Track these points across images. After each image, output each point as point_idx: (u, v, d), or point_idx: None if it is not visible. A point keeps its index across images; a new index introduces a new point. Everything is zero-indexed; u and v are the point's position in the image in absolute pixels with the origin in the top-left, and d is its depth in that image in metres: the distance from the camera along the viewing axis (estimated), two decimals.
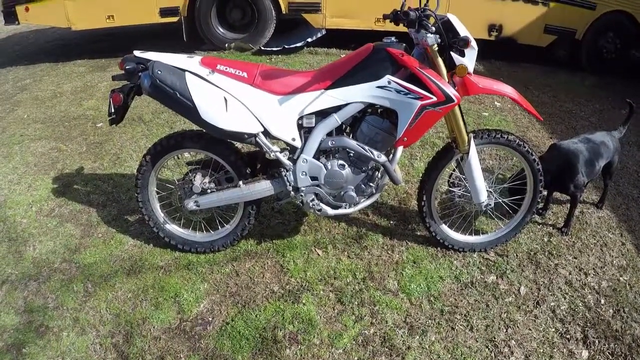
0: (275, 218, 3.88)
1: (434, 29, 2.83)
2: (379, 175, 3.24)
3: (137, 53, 3.06)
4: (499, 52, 7.75)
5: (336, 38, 7.80)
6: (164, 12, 7.43)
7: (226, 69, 3.00)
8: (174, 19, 7.50)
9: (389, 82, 2.91)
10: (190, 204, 3.27)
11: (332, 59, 7.27)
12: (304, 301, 3.17)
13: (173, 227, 3.50)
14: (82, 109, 5.93)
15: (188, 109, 2.92)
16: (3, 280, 3.38)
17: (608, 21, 7.52)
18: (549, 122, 5.68)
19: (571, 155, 3.65)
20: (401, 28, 3.08)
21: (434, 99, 2.88)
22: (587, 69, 7.75)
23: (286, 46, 7.51)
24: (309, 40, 7.64)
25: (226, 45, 7.58)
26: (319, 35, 7.67)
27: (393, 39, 3.03)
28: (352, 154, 3.16)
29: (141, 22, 7.71)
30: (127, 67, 3.00)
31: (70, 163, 4.73)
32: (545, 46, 7.81)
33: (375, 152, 3.06)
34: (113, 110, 3.11)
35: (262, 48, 7.56)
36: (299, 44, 7.57)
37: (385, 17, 3.15)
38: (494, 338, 2.96)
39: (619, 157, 3.96)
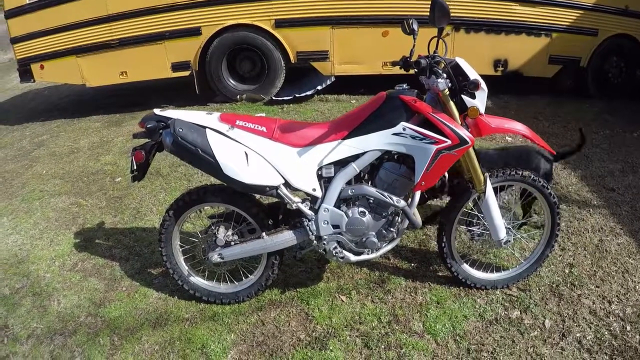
0: (298, 267, 3.91)
1: (444, 75, 2.91)
2: (399, 219, 3.26)
3: (157, 111, 3.13)
4: (507, 86, 7.82)
5: (345, 84, 7.92)
6: (176, 67, 7.60)
7: (245, 124, 3.06)
8: (186, 73, 7.65)
9: (404, 129, 2.97)
10: (215, 257, 3.30)
11: (343, 105, 7.44)
12: (331, 347, 3.16)
13: (197, 280, 3.53)
14: (99, 164, 6.04)
15: (210, 165, 2.97)
16: (29, 334, 3.41)
17: (611, 45, 7.63)
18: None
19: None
20: (410, 72, 3.15)
21: (449, 142, 2.92)
22: (595, 95, 7.81)
23: (297, 95, 7.64)
24: (319, 88, 7.77)
25: (238, 96, 7.71)
26: (329, 82, 7.81)
27: (405, 86, 3.10)
28: (371, 201, 3.19)
29: (153, 77, 7.86)
30: (148, 126, 3.05)
31: (90, 218, 4.80)
32: (552, 77, 7.88)
33: (395, 198, 3.10)
34: (135, 168, 3.15)
35: (274, 98, 7.70)
36: (309, 92, 7.69)
37: (394, 64, 3.23)
38: None
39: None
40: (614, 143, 6.07)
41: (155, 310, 3.55)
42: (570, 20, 7.45)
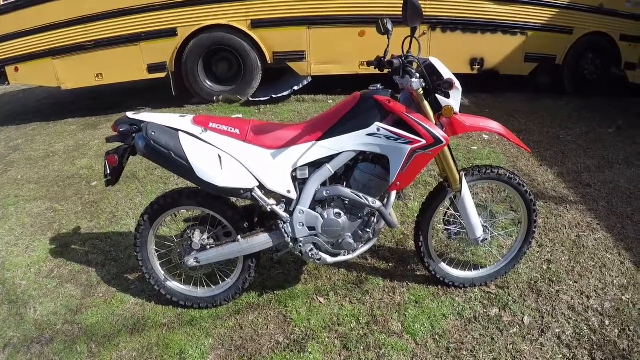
0: (275, 269, 3.90)
1: (418, 74, 2.91)
2: (375, 220, 3.25)
3: (129, 115, 3.08)
4: (484, 85, 7.89)
5: (322, 84, 7.92)
6: (152, 68, 7.57)
7: (218, 126, 3.04)
8: (162, 75, 7.63)
9: (379, 129, 2.96)
10: (190, 261, 3.28)
11: (320, 105, 7.43)
12: (309, 350, 3.15)
13: (174, 284, 3.51)
14: (75, 168, 5.99)
15: (184, 169, 2.95)
16: (5, 343, 3.37)
17: (586, 43, 7.75)
18: (537, 150, 5.79)
19: None
20: (385, 72, 3.16)
21: (423, 142, 2.92)
22: (571, 92, 7.94)
23: (274, 95, 7.64)
24: (296, 88, 7.79)
25: (215, 98, 7.68)
26: (305, 83, 7.83)
27: (379, 86, 3.09)
28: (347, 202, 3.18)
29: (129, 79, 7.83)
30: (120, 130, 3.02)
31: (66, 223, 4.76)
32: (528, 74, 7.97)
33: (370, 199, 3.09)
34: (109, 172, 3.11)
35: (250, 99, 7.69)
36: (286, 93, 7.70)
37: (369, 64, 3.23)
38: None
39: None
40: (590, 139, 6.14)
41: (132, 316, 3.52)
42: (545, 19, 7.55)
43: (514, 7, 7.46)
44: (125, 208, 4.92)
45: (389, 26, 2.97)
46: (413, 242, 3.75)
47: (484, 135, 6.17)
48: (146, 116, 3.08)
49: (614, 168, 5.33)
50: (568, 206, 4.62)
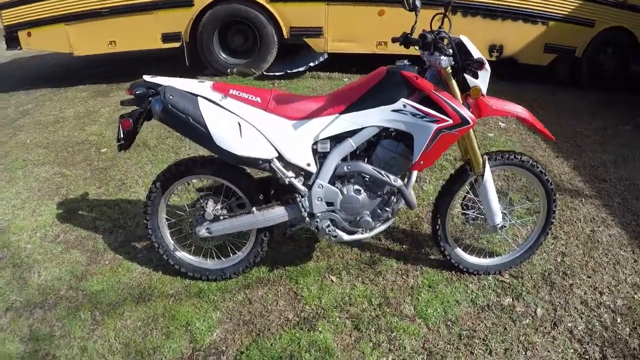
0: (287, 244, 3.82)
1: (450, 51, 2.82)
2: (395, 199, 3.19)
3: (146, 78, 3.00)
4: (502, 72, 7.77)
5: (338, 62, 7.81)
6: (166, 37, 7.45)
7: (239, 93, 2.96)
8: (176, 45, 7.52)
9: (405, 106, 2.88)
10: (202, 231, 3.21)
11: (335, 83, 7.33)
12: (320, 329, 3.09)
13: (183, 255, 3.44)
14: (85, 134, 5.90)
15: (201, 135, 2.86)
16: (7, 307, 3.31)
17: (606, 37, 7.61)
18: (554, 142, 5.65)
19: None
20: (406, 50, 3.06)
21: (450, 121, 2.84)
22: (587, 85, 7.83)
23: (288, 71, 7.54)
24: (311, 64, 7.67)
25: (228, 70, 7.58)
26: (321, 59, 7.70)
27: (406, 62, 3.00)
28: (367, 179, 3.11)
29: (143, 48, 7.74)
30: (137, 92, 2.94)
31: (74, 188, 4.68)
32: (547, 65, 7.85)
33: (392, 177, 3.02)
34: (122, 136, 3.05)
35: (265, 73, 7.58)
36: (301, 69, 7.59)
37: (394, 40, 3.12)
38: None
39: None
40: (607, 135, 6.05)
41: (138, 285, 3.45)
42: (567, 10, 7.42)
43: None
44: (135, 176, 4.84)
45: (418, 2, 2.89)
46: (427, 225, 3.75)
47: (500, 123, 6.06)
48: (164, 80, 2.99)
49: (629, 165, 5.23)
50: (583, 200, 4.53)
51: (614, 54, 7.81)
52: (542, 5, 7.36)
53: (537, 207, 3.58)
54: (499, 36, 7.56)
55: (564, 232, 4.05)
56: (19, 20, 7.49)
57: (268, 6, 7.22)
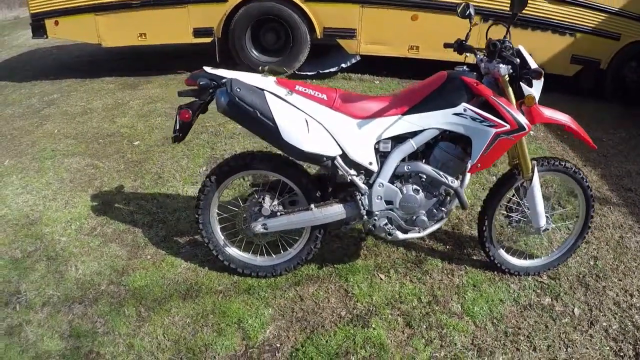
0: (334, 242, 3.78)
1: (517, 60, 2.89)
2: (449, 199, 3.23)
3: (207, 69, 2.93)
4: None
5: (368, 65, 7.73)
6: (198, 32, 7.34)
7: (305, 90, 2.95)
8: (208, 40, 7.43)
9: (465, 110, 2.94)
10: (258, 227, 3.13)
11: (366, 85, 7.30)
12: (373, 325, 3.09)
13: (233, 250, 3.35)
14: (115, 126, 5.79)
15: (268, 129, 2.82)
16: (44, 301, 3.20)
17: (632, 51, 7.55)
18: (581, 150, 5.72)
19: None
20: (439, 56, 3.07)
21: (508, 127, 2.91)
22: (610, 98, 7.79)
23: (320, 71, 7.48)
24: (343, 65, 7.60)
25: (260, 67, 7.45)
26: (354, 61, 7.62)
27: (465, 67, 3.06)
28: (424, 179, 3.12)
29: (174, 42, 7.67)
30: (201, 83, 2.87)
31: (108, 180, 4.57)
32: (572, 76, 7.81)
33: (450, 177, 3.06)
34: (178, 127, 2.99)
35: (296, 72, 7.49)
36: (333, 69, 7.53)
37: (447, 45, 3.35)
38: (556, 357, 2.98)
39: None
40: (631, 146, 6.07)
41: (184, 281, 3.36)
42: (594, 23, 7.39)
43: (567, 7, 7.29)
44: (172, 170, 4.72)
45: (472, 10, 3.12)
46: (467, 227, 4.00)
47: (530, 132, 5.98)
48: (226, 72, 2.94)
49: None
50: (611, 207, 4.59)
51: (637, 68, 7.76)
52: (571, 16, 7.34)
53: (568, 213, 3.89)
54: (528, 45, 7.34)
55: (594, 237, 4.11)
56: (47, 8, 7.37)
57: (302, 5, 7.12)
